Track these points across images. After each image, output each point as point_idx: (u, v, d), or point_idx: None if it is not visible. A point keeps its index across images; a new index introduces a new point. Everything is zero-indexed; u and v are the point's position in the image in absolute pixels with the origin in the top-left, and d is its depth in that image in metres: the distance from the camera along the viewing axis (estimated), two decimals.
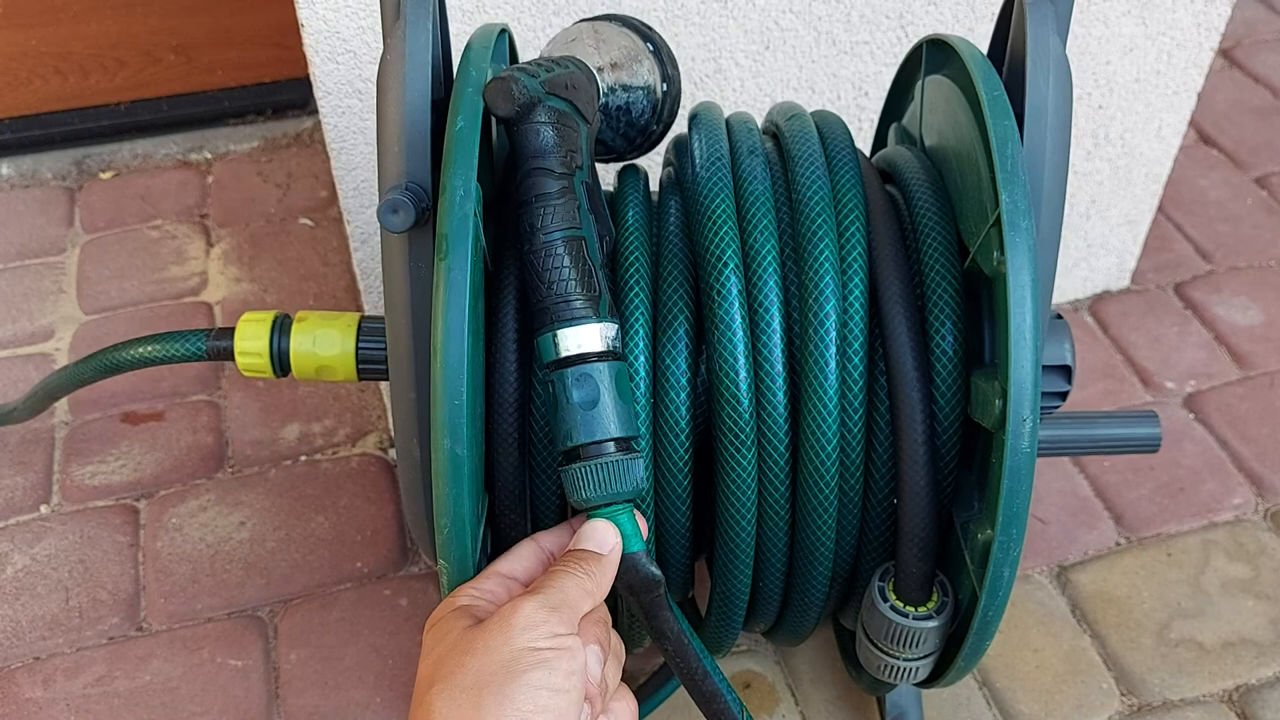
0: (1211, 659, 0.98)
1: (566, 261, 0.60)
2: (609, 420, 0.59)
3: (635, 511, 0.62)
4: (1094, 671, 0.98)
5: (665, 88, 0.72)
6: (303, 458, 1.14)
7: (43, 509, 1.09)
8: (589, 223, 0.62)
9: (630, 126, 0.71)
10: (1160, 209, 1.37)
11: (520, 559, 0.62)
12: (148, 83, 1.48)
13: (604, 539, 0.60)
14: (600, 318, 0.60)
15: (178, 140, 1.50)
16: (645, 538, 0.62)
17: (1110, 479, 1.12)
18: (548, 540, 0.63)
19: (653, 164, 1.00)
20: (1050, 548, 1.07)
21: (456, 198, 0.57)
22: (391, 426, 1.15)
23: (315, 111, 1.53)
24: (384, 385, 1.16)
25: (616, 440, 0.60)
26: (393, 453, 1.14)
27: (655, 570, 0.61)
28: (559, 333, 0.60)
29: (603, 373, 0.60)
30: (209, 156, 1.49)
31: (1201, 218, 1.40)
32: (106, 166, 1.48)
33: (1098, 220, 1.24)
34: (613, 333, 0.61)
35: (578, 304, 0.60)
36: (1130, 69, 1.10)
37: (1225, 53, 1.64)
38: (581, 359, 0.60)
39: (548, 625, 0.54)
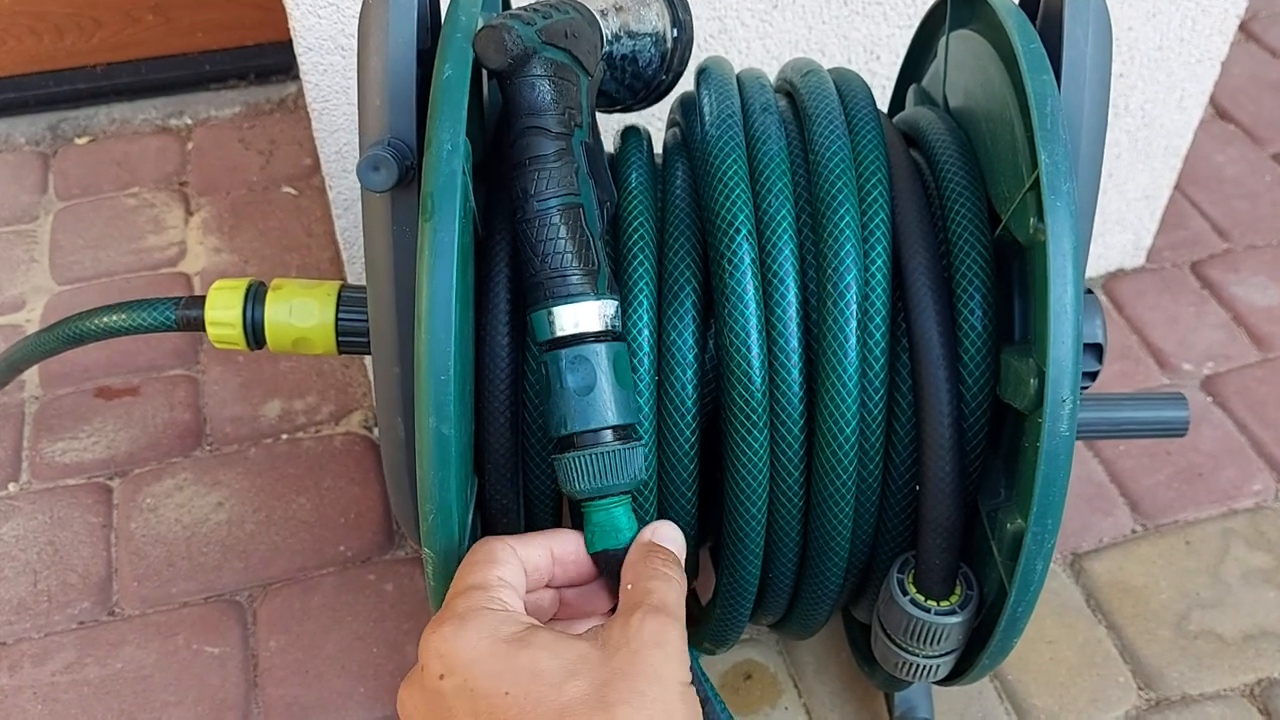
0: (1232, 652, 0.95)
1: (563, 232, 0.55)
2: (606, 407, 0.55)
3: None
4: (1110, 664, 0.94)
5: (676, 34, 0.66)
6: (284, 436, 1.10)
7: (11, 487, 1.05)
8: (588, 188, 0.57)
9: (636, 78, 0.66)
10: (1176, 185, 1.32)
11: (540, 571, 0.56)
12: (125, 44, 1.43)
13: (676, 538, 0.56)
14: (599, 294, 0.56)
15: (157, 105, 1.45)
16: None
17: (1126, 464, 1.08)
18: (558, 548, 0.57)
19: (655, 128, 0.95)
20: (1064, 535, 1.03)
21: (443, 152, 0.53)
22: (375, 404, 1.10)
23: (299, 76, 1.48)
24: (368, 360, 1.11)
25: (614, 428, 0.55)
26: (378, 431, 1.10)
27: None
28: (554, 310, 0.55)
29: (600, 355, 0.55)
30: (189, 122, 1.44)
31: (1218, 194, 1.36)
32: (82, 131, 1.42)
33: (1114, 194, 1.19)
34: (612, 311, 0.57)
35: (574, 279, 0.55)
36: (1153, 35, 1.06)
37: (1243, 25, 1.59)
38: (578, 339, 0.55)
39: (682, 652, 0.50)
